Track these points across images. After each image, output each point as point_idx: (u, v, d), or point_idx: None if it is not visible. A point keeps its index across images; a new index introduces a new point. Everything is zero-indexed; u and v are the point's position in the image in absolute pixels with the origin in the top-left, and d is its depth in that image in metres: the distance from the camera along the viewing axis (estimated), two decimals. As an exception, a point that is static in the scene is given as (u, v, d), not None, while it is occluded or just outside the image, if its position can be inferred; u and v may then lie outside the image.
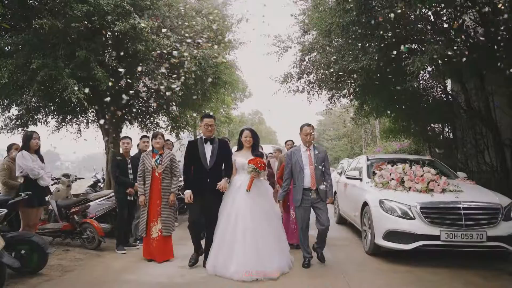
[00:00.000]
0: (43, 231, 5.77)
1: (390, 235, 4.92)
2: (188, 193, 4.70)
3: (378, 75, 7.35)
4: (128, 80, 8.46)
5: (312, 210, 4.86)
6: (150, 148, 5.55)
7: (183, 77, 7.36)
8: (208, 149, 4.81)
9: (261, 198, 4.68)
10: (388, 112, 9.85)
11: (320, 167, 4.84)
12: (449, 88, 10.29)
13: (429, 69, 8.31)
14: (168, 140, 7.90)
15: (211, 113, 4.95)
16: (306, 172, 4.81)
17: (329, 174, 4.95)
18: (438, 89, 9.81)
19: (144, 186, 5.28)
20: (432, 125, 10.64)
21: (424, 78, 9.44)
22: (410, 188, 5.23)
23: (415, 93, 8.38)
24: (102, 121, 9.01)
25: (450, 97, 9.43)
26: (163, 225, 5.18)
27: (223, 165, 4.87)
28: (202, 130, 4.88)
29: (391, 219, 4.95)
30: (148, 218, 5.20)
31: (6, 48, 6.97)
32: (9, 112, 8.91)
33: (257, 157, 4.73)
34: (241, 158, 4.82)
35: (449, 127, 10.58)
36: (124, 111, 9.76)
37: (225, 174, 4.80)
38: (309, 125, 5.00)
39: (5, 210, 3.67)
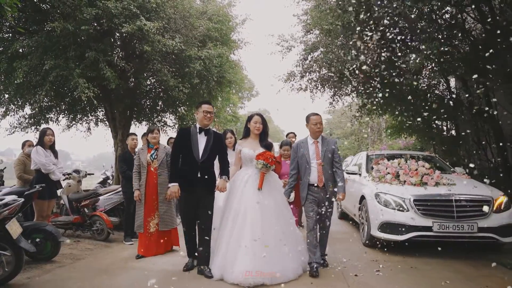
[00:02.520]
0: (55, 224, 6.08)
1: (385, 227, 5.12)
2: (175, 187, 4.25)
3: (378, 73, 7.50)
4: (136, 80, 8.81)
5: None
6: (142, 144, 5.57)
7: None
8: (202, 140, 4.31)
9: (272, 193, 4.28)
10: (390, 110, 9.97)
11: (327, 165, 4.39)
12: (453, 85, 10.39)
13: (430, 66, 8.45)
14: (171, 138, 8.17)
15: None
16: (313, 167, 4.40)
17: (340, 168, 4.47)
18: (441, 86, 9.91)
19: (139, 182, 5.19)
20: (436, 122, 10.72)
21: (426, 75, 9.55)
22: (405, 181, 5.43)
23: (417, 91, 8.50)
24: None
25: (453, 94, 9.54)
26: (161, 220, 5.12)
27: (219, 161, 4.43)
28: (199, 118, 4.35)
29: (386, 211, 5.15)
30: (145, 213, 5.13)
31: (20, 50, 7.33)
32: (23, 111, 9.32)
33: (266, 151, 4.33)
34: (248, 150, 4.40)
35: (452, 124, 10.66)
36: (133, 110, 10.12)
37: (223, 172, 4.35)
38: (316, 114, 4.53)
39: (22, 199, 3.97)
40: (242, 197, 4.19)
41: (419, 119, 9.58)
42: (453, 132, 10.71)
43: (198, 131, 4.34)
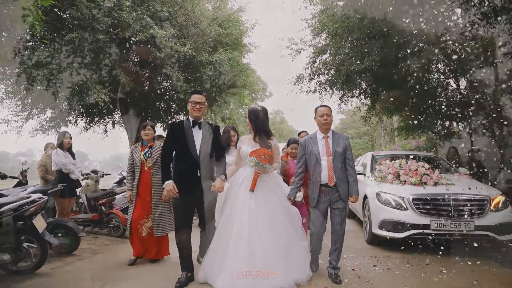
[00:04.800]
0: (75, 221, 6.49)
1: (385, 225, 5.35)
2: (170, 184, 3.72)
3: (383, 75, 7.70)
4: (150, 84, 9.21)
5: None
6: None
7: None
8: (197, 134, 3.87)
9: (268, 198, 3.86)
10: (399, 110, 10.11)
11: (338, 162, 3.99)
12: (462, 85, 10.42)
13: (439, 66, 8.58)
14: None
15: (203, 92, 4.10)
16: (323, 165, 4.02)
17: (352, 166, 4.06)
18: (450, 86, 9.97)
19: (132, 182, 4.83)
20: (445, 122, 10.79)
21: (434, 76, 9.64)
22: (405, 181, 5.63)
23: (425, 91, 8.62)
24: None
25: (462, 94, 9.60)
26: (155, 224, 4.67)
27: (215, 156, 3.94)
28: (189, 110, 3.91)
29: (386, 210, 5.38)
30: (136, 215, 4.71)
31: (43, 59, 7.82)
32: (44, 114, 9.87)
33: (261, 148, 3.88)
34: (246, 147, 4.03)
35: (462, 124, 10.70)
36: (147, 112, 10.55)
37: (220, 171, 3.89)
38: (324, 105, 4.15)
39: (47, 197, 4.38)
40: (234, 202, 3.84)
41: (427, 118, 9.75)
42: (463, 132, 10.78)
43: (192, 124, 3.91)
